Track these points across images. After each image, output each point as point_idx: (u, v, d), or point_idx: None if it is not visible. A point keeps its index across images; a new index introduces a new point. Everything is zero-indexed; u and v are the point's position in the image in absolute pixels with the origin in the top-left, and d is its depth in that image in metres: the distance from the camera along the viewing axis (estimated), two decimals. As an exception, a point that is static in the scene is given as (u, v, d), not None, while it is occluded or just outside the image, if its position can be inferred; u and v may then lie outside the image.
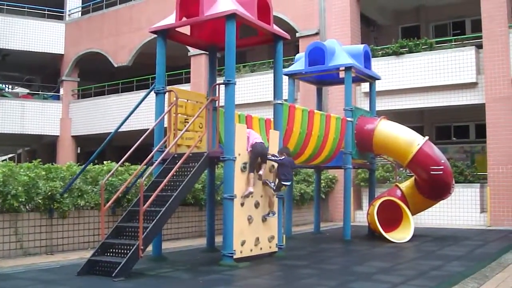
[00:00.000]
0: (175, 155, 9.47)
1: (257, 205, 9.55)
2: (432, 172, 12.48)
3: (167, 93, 9.90)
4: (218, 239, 10.30)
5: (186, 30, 10.59)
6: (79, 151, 29.83)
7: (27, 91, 33.51)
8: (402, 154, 12.91)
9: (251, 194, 9.34)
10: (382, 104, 17.78)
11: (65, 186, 10.73)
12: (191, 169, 8.95)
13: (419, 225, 15.51)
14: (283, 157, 9.76)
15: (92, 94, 28.94)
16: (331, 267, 8.94)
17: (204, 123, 10.12)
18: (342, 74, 13.89)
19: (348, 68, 13.12)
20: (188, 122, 9.60)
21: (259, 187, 9.61)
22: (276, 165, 9.88)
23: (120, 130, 10.69)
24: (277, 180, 9.86)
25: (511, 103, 16.20)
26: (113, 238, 8.46)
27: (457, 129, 21.46)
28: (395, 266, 8.96)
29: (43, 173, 10.72)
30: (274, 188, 9.76)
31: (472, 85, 17.29)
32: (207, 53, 11.66)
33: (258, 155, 9.47)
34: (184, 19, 9.72)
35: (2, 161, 12.88)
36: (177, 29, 10.17)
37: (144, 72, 25.09)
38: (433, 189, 12.94)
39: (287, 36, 10.41)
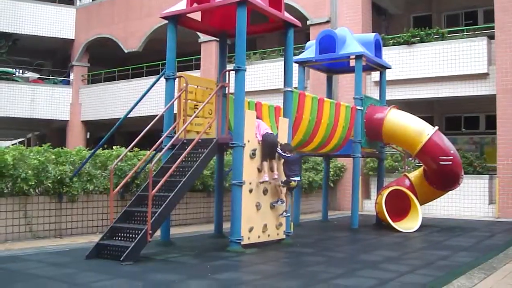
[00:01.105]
0: (184, 141, 9.49)
1: (265, 192, 9.57)
2: (441, 163, 12.43)
3: (177, 79, 9.90)
4: (226, 225, 10.34)
5: (197, 16, 10.57)
6: (88, 136, 29.94)
7: (38, 75, 33.54)
8: (411, 144, 12.87)
9: (266, 182, 9.45)
10: (392, 94, 17.72)
11: (74, 170, 10.80)
12: (200, 155, 8.97)
13: (427, 215, 15.50)
14: (289, 154, 9.75)
15: (102, 79, 29.01)
16: (338, 255, 8.96)
17: (214, 109, 10.12)
18: (352, 63, 13.83)
19: (358, 57, 13.06)
20: (197, 108, 9.60)
21: (266, 171, 9.58)
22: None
23: (129, 115, 10.72)
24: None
25: (522, 95, 16.10)
26: (122, 223, 8.50)
27: (467, 120, 21.36)
28: (402, 256, 8.96)
29: (53, 157, 10.79)
30: (282, 182, 9.77)
31: (483, 76, 17.16)
32: (218, 39, 11.63)
33: (270, 145, 9.48)
34: (195, 5, 9.68)
35: (12, 145, 12.96)
36: (188, 15, 10.14)
37: (155, 58, 25.11)
38: (442, 180, 12.90)
39: (298, 23, 10.36)
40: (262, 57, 22.03)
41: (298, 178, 9.86)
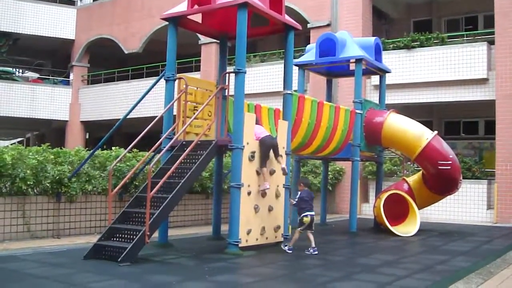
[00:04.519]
0: (184, 143, 9.49)
1: (264, 194, 9.56)
2: (440, 167, 12.44)
3: (177, 80, 9.90)
4: (224, 228, 10.33)
5: (197, 18, 10.58)
6: (87, 136, 29.95)
7: (37, 75, 33.58)
8: (410, 148, 12.88)
9: (267, 189, 9.48)
10: (392, 98, 17.72)
11: (73, 171, 10.79)
12: (199, 156, 8.97)
13: (425, 219, 15.50)
14: (301, 190, 9.42)
15: (102, 80, 29.03)
16: (336, 259, 8.96)
17: (213, 111, 10.13)
18: (352, 66, 13.85)
19: (358, 60, 13.08)
20: (197, 110, 9.61)
21: (267, 178, 9.59)
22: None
23: (129, 116, 10.72)
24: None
25: (521, 100, 16.11)
26: (120, 223, 8.51)
27: (466, 124, 21.35)
28: (400, 260, 8.96)
29: (52, 157, 10.78)
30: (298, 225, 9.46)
31: (482, 81, 17.18)
32: (218, 41, 11.64)
33: (269, 147, 9.47)
34: (196, 6, 9.70)
35: (12, 144, 12.96)
36: (188, 16, 10.16)
37: (155, 59, 25.11)
38: (441, 184, 12.91)
39: (299, 26, 10.38)
40: (262, 59, 22.04)
41: (311, 213, 9.29)
